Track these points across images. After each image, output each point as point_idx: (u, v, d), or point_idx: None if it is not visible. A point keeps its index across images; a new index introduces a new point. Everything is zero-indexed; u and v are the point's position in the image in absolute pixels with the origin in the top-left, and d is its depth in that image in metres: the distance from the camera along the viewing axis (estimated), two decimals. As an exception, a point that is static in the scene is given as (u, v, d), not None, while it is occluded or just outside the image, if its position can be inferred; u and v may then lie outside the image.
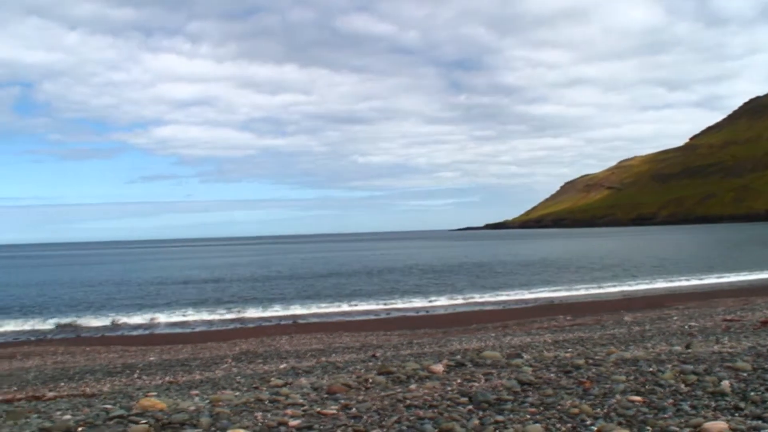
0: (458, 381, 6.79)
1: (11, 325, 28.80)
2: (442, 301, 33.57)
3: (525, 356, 8.50)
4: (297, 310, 31.41)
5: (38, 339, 24.51)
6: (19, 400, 9.90)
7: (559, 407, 5.53)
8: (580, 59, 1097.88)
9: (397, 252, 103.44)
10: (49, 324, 28.96)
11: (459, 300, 34.04)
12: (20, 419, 6.86)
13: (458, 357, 8.73)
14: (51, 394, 10.49)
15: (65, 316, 31.48)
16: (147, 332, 25.55)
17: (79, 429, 5.65)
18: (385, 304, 32.68)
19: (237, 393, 7.45)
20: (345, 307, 31.88)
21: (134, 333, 25.39)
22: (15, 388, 12.74)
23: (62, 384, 12.90)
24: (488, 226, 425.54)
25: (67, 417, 6.43)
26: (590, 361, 7.56)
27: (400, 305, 32.38)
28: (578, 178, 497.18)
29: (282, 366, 12.13)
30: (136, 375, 13.42)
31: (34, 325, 28.68)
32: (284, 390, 6.85)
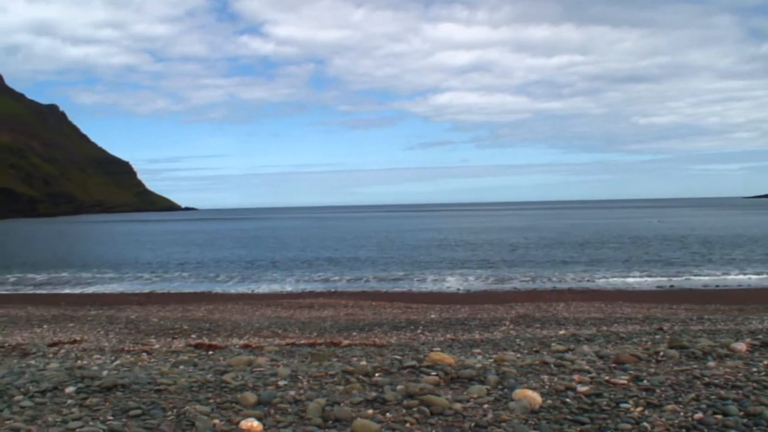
0: (765, 362, 6.12)
1: (308, 277, 32.28)
2: (733, 276, 30.57)
3: None
4: (570, 276, 30.80)
5: (330, 292, 27.06)
6: (320, 344, 11.03)
7: None
8: None
9: (679, 220, 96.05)
10: (339, 278, 31.87)
11: (752, 275, 30.68)
12: (323, 361, 7.65)
13: (761, 337, 7.87)
14: (346, 342, 11.51)
15: (352, 272, 34.41)
16: (426, 290, 26.89)
17: (377, 375, 6.11)
18: (667, 276, 30.63)
19: (518, 355, 7.50)
20: (621, 277, 30.48)
21: (414, 290, 26.88)
22: (315, 334, 14.22)
23: (354, 333, 14.10)
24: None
25: (364, 363, 7.00)
26: None
27: (684, 277, 30.13)
28: None
29: (561, 332, 11.98)
30: (419, 330, 14.20)
31: (327, 278, 31.77)
32: (569, 356, 6.75)
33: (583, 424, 4.50)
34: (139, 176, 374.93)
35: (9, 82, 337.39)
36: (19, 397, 5.56)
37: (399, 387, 5.45)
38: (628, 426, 4.43)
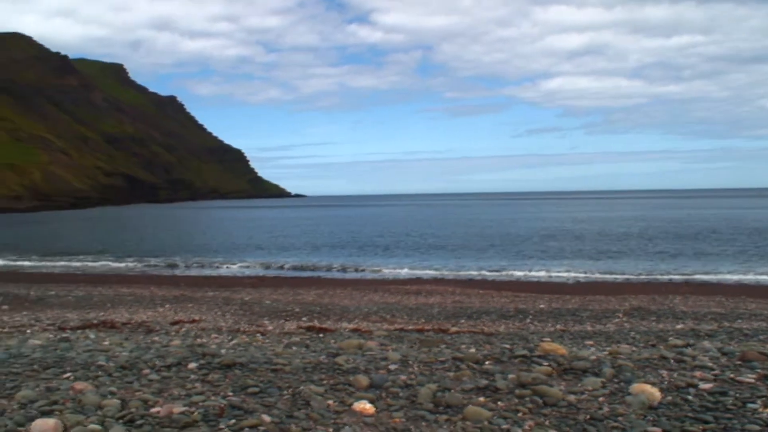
0: None
1: (415, 264, 32.45)
2: None
3: None
4: (687, 269, 29.37)
5: (437, 279, 27.09)
6: (428, 331, 11.08)
7: None
8: None
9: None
10: (445, 265, 31.84)
11: None
12: (432, 347, 7.68)
13: None
14: (454, 329, 11.50)
15: (459, 260, 34.29)
16: (534, 279, 26.45)
17: (487, 363, 6.08)
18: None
19: (634, 348, 7.25)
20: (743, 272, 28.73)
21: (522, 279, 26.48)
22: (423, 320, 14.30)
23: (462, 321, 14.07)
24: None
25: (473, 351, 6.97)
26: None
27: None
28: None
29: (678, 326, 11.48)
30: (528, 320, 13.99)
31: (433, 265, 31.81)
32: (689, 351, 6.46)
33: (706, 422, 4.31)
34: (252, 164, 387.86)
35: (132, 75, 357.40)
36: (147, 371, 5.92)
37: (510, 376, 5.40)
38: (757, 427, 4.19)
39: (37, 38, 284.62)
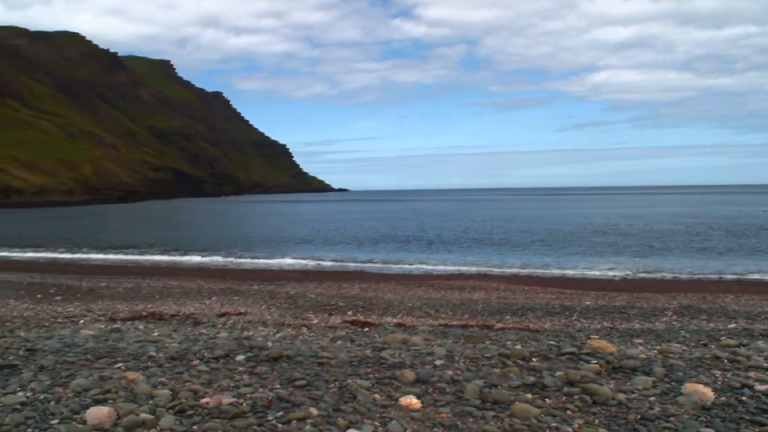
0: None
1: (458, 259, 32.31)
2: None
3: None
4: (739, 267, 28.59)
5: (481, 274, 26.90)
6: (472, 326, 11.02)
7: None
8: None
9: None
10: (488, 261, 31.63)
11: None
12: (478, 343, 7.63)
13: None
14: (498, 325, 11.42)
15: (502, 256, 34.04)
16: (579, 276, 26.08)
17: (534, 359, 6.01)
18: None
19: (684, 347, 7.10)
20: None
21: (567, 276, 26.13)
22: (467, 316, 14.23)
23: (507, 317, 13.97)
24: None
25: (519, 347, 6.90)
26: None
27: None
28: None
29: (731, 326, 11.21)
30: (574, 317, 13.82)
31: (476, 261, 31.63)
32: (743, 351, 6.30)
33: (762, 425, 4.19)
34: (295, 158, 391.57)
35: (179, 72, 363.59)
36: (196, 362, 6.01)
37: (558, 373, 5.34)
38: (816, 430, 4.07)
39: (88, 36, 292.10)
